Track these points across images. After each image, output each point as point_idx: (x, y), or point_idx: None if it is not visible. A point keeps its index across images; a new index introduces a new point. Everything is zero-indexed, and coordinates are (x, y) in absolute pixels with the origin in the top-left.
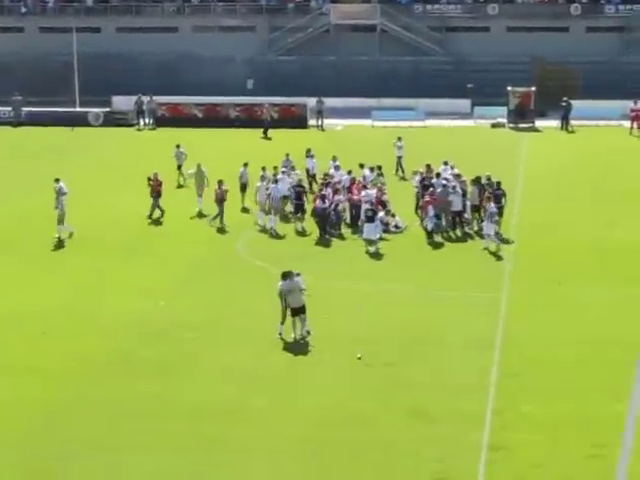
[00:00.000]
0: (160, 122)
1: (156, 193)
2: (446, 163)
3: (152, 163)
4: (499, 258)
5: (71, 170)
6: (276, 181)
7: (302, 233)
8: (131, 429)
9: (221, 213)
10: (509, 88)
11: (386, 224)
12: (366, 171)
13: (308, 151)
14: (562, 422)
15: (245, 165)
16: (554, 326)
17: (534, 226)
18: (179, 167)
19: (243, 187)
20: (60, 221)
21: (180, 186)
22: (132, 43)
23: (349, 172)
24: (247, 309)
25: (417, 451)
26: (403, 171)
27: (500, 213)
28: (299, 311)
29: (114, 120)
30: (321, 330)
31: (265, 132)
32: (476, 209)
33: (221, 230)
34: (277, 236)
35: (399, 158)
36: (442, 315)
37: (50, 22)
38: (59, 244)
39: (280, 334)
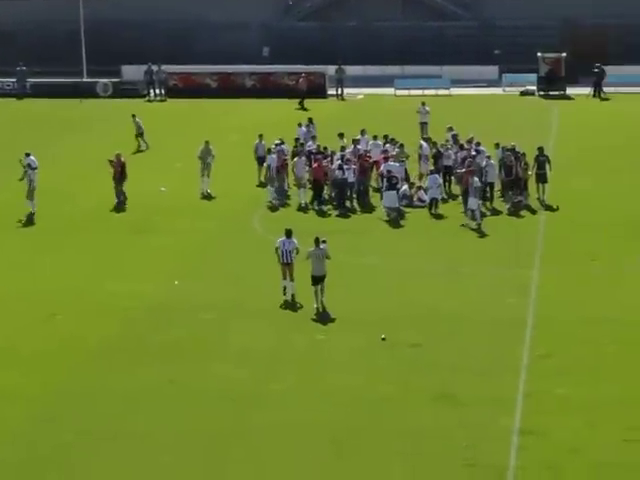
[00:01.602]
0: (172, 92)
1: (119, 176)
2: (451, 129)
3: (162, 136)
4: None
5: (78, 144)
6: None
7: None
8: (142, 417)
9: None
10: (539, 54)
11: (410, 197)
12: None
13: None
14: (598, 404)
15: (260, 137)
16: (588, 304)
17: (565, 199)
18: (140, 135)
19: (260, 161)
20: (29, 196)
21: (139, 151)
22: (142, 9)
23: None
24: (264, 288)
25: (446, 437)
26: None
27: (544, 179)
28: (320, 280)
29: (123, 91)
30: (344, 309)
31: (301, 102)
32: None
33: (237, 206)
34: (302, 210)
35: (423, 124)
36: (470, 293)
37: None
38: (29, 219)
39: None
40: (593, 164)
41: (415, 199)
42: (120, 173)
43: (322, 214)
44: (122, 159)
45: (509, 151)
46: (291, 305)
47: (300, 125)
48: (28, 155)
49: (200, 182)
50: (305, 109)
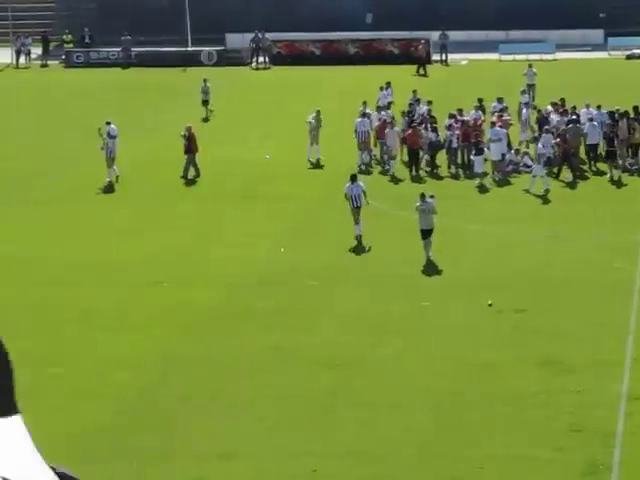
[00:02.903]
0: (276, 60)
1: (190, 150)
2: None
3: (267, 104)
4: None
5: (184, 113)
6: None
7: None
8: (250, 383)
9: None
10: None
11: (516, 164)
12: (495, 104)
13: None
14: None
15: (364, 104)
16: None
17: None
18: (205, 102)
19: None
20: (109, 164)
21: (206, 119)
22: None
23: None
24: (369, 254)
25: (551, 402)
26: (534, 101)
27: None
28: (428, 233)
29: (228, 59)
30: (448, 275)
31: (419, 68)
32: (626, 144)
33: (340, 172)
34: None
35: (530, 87)
36: (576, 259)
37: None
38: (110, 188)
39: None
40: None
41: (521, 165)
42: (187, 146)
43: (420, 180)
44: (193, 132)
45: (622, 115)
46: (395, 272)
47: (382, 89)
48: (109, 124)
49: (309, 150)
50: (426, 75)
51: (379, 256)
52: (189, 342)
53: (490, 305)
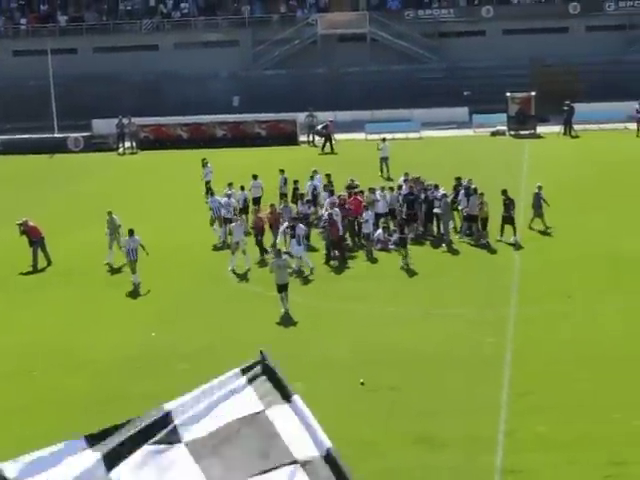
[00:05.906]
0: (144, 145)
1: (32, 242)
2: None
3: (134, 189)
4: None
5: (50, 200)
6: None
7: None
8: None
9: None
10: (508, 94)
11: (384, 242)
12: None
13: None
14: (577, 441)
15: (229, 186)
16: (565, 341)
17: (539, 237)
18: None
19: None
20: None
21: None
22: (110, 63)
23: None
24: (239, 335)
25: (427, 479)
26: (388, 172)
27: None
28: (284, 288)
29: (95, 145)
30: (321, 354)
31: (331, 146)
32: (476, 219)
33: (212, 257)
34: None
35: (384, 159)
36: (446, 335)
37: (23, 45)
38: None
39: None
40: (565, 201)
41: (390, 243)
42: (29, 240)
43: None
44: (28, 224)
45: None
46: (267, 352)
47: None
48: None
49: (108, 253)
50: (335, 152)
51: (251, 338)
52: (60, 430)
53: (362, 384)
